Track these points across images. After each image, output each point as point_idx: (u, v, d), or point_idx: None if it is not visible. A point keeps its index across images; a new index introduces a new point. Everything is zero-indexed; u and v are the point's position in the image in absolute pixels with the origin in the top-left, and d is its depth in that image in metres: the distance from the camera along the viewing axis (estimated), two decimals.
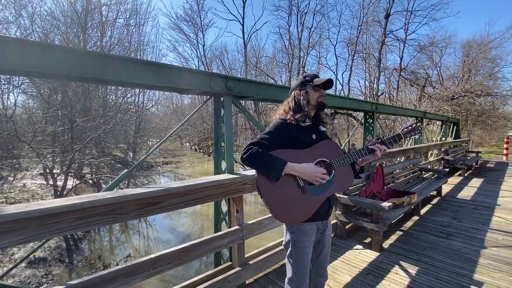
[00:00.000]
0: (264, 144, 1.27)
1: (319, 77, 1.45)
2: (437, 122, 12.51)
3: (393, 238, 3.28)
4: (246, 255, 2.36)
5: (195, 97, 19.22)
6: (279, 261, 2.52)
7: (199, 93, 2.34)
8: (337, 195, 3.19)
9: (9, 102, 8.79)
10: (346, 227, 3.36)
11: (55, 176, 8.05)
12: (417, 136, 6.52)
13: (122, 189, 2.81)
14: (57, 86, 8.40)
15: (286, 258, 1.42)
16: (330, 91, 2.11)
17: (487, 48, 19.53)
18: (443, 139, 9.35)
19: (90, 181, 9.91)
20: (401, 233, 3.43)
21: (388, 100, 19.47)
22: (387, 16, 20.09)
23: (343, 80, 23.55)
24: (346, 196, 3.16)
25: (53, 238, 3.79)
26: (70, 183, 8.56)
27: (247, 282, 2.31)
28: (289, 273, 1.41)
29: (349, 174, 1.42)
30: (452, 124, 10.45)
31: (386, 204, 2.79)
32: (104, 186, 9.45)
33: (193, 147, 29.05)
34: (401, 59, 20.62)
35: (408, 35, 20.80)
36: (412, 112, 7.30)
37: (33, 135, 7.44)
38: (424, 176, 5.56)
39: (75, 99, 8.72)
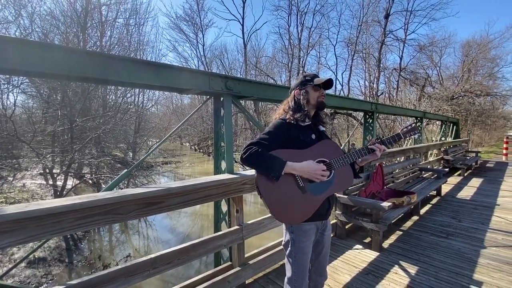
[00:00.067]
0: (263, 144, 1.27)
1: (319, 77, 1.45)
2: (437, 122, 12.52)
3: (392, 238, 3.28)
4: (246, 255, 2.36)
5: (195, 97, 19.22)
6: (279, 261, 2.52)
7: (199, 93, 2.34)
8: (337, 195, 3.20)
9: (8, 102, 8.79)
10: (346, 227, 3.36)
11: (55, 176, 8.04)
12: (416, 136, 6.52)
13: (121, 189, 2.81)
14: (57, 86, 8.40)
15: (286, 258, 1.42)
16: (330, 91, 2.11)
17: (487, 48, 19.56)
18: (443, 139, 9.35)
19: (90, 181, 9.91)
20: (401, 233, 3.44)
21: (388, 100, 19.48)
22: (387, 16, 20.10)
23: (342, 80, 23.61)
24: (346, 196, 3.16)
25: (52, 238, 3.79)
26: (70, 183, 8.56)
27: (247, 282, 2.31)
28: (288, 273, 1.41)
29: (348, 174, 1.42)
30: (451, 124, 10.46)
31: (385, 204, 2.80)
32: (103, 186, 9.45)
33: (193, 147, 29.05)
34: (400, 59, 20.67)
35: (408, 35, 20.86)
36: (411, 112, 7.31)
37: (32, 135, 7.43)
38: (424, 176, 5.57)
39: (74, 99, 8.71)
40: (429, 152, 8.15)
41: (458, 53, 22.87)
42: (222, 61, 25.76)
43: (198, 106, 3.40)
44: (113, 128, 9.81)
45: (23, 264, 5.42)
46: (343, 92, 22.39)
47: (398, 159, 7.52)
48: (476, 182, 6.53)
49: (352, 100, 4.81)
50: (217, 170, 2.62)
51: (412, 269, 2.51)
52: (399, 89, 19.79)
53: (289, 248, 1.39)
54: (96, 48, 11.14)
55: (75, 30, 10.24)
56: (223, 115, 2.43)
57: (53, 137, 8.38)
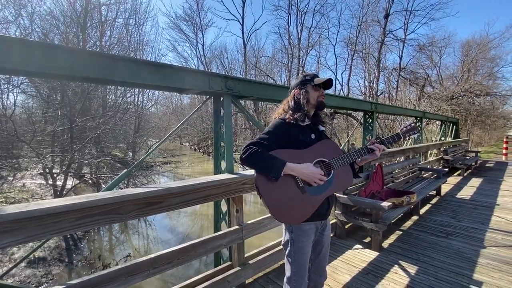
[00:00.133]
0: (263, 144, 1.27)
1: (318, 77, 1.45)
2: (437, 122, 12.52)
3: (392, 237, 3.28)
4: (245, 255, 2.36)
5: (195, 96, 19.22)
6: (278, 260, 2.52)
7: (198, 92, 2.34)
8: (337, 194, 3.20)
9: (8, 102, 8.80)
10: (346, 226, 3.36)
11: (55, 176, 8.04)
12: (416, 136, 6.53)
13: (121, 189, 2.81)
14: (57, 85, 8.40)
15: (285, 257, 1.42)
16: (329, 91, 2.12)
17: (487, 48, 19.56)
18: (443, 138, 9.36)
19: (90, 181, 9.91)
20: (401, 232, 3.44)
21: (388, 100, 19.47)
22: (386, 16, 20.09)
23: (342, 79, 23.62)
24: (345, 196, 3.17)
25: (52, 238, 3.79)
26: (70, 183, 8.55)
27: (246, 281, 2.31)
28: (288, 273, 1.41)
29: (348, 174, 1.42)
30: (451, 124, 10.46)
31: (385, 204, 2.80)
32: (103, 186, 9.45)
33: (192, 147, 29.05)
34: (400, 59, 20.67)
35: (408, 34, 20.85)
36: (411, 112, 7.31)
37: (32, 135, 7.43)
38: (424, 175, 5.57)
39: (74, 98, 8.71)
40: (429, 152, 8.16)
41: (457, 53, 22.89)
42: (222, 61, 25.77)
43: (198, 106, 3.40)
44: (112, 128, 9.81)
45: (23, 264, 5.42)
46: (343, 92, 22.40)
47: (397, 159, 7.52)
48: (475, 182, 6.54)
49: (351, 100, 4.81)
50: (217, 170, 2.62)
51: (412, 269, 2.52)
52: (399, 89, 19.78)
53: (289, 248, 1.39)
54: (96, 48, 11.14)
55: (75, 30, 10.24)
56: (223, 115, 2.44)
57: (53, 137, 8.38)
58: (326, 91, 1.50)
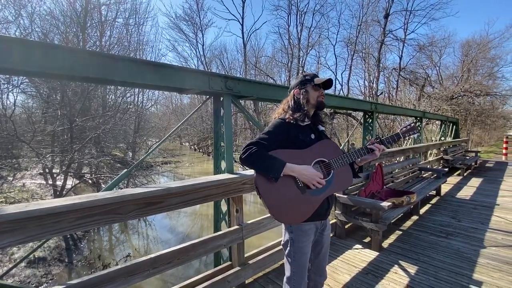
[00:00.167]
0: (263, 144, 1.27)
1: (318, 77, 1.45)
2: (436, 122, 12.53)
3: (392, 237, 3.28)
4: (245, 255, 2.36)
5: (195, 96, 19.21)
6: (278, 260, 2.52)
7: (198, 92, 2.34)
8: (337, 194, 3.20)
9: (8, 102, 8.80)
10: (346, 226, 3.36)
11: (55, 175, 8.04)
12: (416, 136, 6.52)
13: (121, 189, 2.81)
14: (56, 85, 8.40)
15: (285, 257, 1.42)
16: (329, 91, 2.12)
17: (487, 48, 19.55)
18: (442, 138, 9.36)
19: (90, 181, 9.91)
20: (401, 232, 3.44)
21: (388, 100, 19.47)
22: (386, 16, 20.09)
23: (342, 79, 23.63)
24: (345, 196, 3.17)
25: (52, 238, 3.79)
26: (70, 182, 8.55)
27: (246, 281, 2.31)
28: (287, 273, 1.41)
29: (348, 174, 1.42)
30: (451, 124, 10.47)
31: (385, 204, 2.80)
32: (103, 186, 9.45)
33: (192, 147, 29.05)
34: (400, 58, 20.66)
35: (408, 34, 20.84)
36: (411, 112, 7.31)
37: (32, 135, 7.43)
38: (424, 175, 5.57)
39: (74, 98, 8.71)
40: (429, 152, 8.16)
41: (457, 53, 22.90)
42: (222, 61, 25.77)
43: (198, 106, 3.40)
44: (112, 128, 9.81)
45: (23, 264, 5.42)
46: (343, 92, 22.40)
47: (397, 158, 7.53)
48: (475, 182, 6.54)
49: (351, 100, 4.81)
50: (217, 170, 2.62)
51: (412, 269, 2.52)
52: (399, 89, 19.77)
53: (288, 248, 1.39)
54: (96, 48, 11.15)
55: (74, 30, 10.24)
56: (222, 115, 2.43)
57: (52, 137, 8.38)
58: (326, 91, 1.50)
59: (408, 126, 1.50)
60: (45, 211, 1.23)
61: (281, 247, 1.47)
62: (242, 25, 23.08)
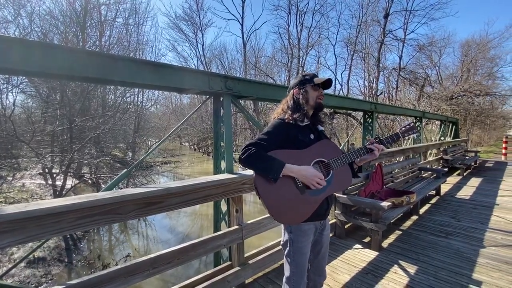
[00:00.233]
0: (262, 144, 1.27)
1: (318, 77, 1.44)
2: (436, 122, 12.53)
3: (392, 237, 3.29)
4: (245, 255, 2.36)
5: (194, 96, 19.20)
6: (278, 260, 2.52)
7: (198, 92, 2.34)
8: (336, 194, 3.20)
9: (8, 102, 8.79)
10: (345, 226, 3.36)
11: (54, 176, 8.03)
12: (415, 136, 6.53)
13: (121, 189, 2.81)
14: (56, 85, 8.39)
15: (284, 257, 1.42)
16: (329, 91, 2.12)
17: (486, 48, 19.57)
18: (442, 138, 9.37)
19: (89, 181, 9.90)
20: (400, 232, 3.44)
21: (387, 100, 19.47)
22: (386, 16, 20.10)
23: (342, 79, 23.63)
24: (345, 196, 3.17)
25: (52, 238, 3.79)
26: (69, 182, 8.55)
27: (246, 281, 2.31)
28: (287, 273, 1.41)
29: (347, 174, 1.42)
30: (451, 124, 10.48)
31: (385, 204, 2.80)
32: (103, 186, 9.44)
33: (192, 147, 29.04)
34: (400, 58, 20.67)
35: (407, 34, 20.85)
36: (411, 112, 7.31)
37: (32, 135, 7.42)
38: (423, 175, 5.57)
39: (74, 98, 8.70)
40: (428, 152, 8.16)
41: (457, 53, 22.93)
42: (222, 60, 25.77)
43: (198, 106, 3.39)
44: (112, 128, 9.81)
45: (22, 264, 5.41)
46: (343, 92, 22.41)
47: (397, 158, 7.54)
48: (475, 181, 6.54)
49: (351, 100, 4.81)
50: (217, 170, 2.62)
51: (412, 269, 2.52)
52: (399, 88, 19.78)
53: (288, 248, 1.39)
54: (96, 48, 11.14)
55: (74, 29, 10.24)
56: (222, 115, 2.43)
57: (52, 137, 8.37)
58: (326, 91, 1.49)
59: (408, 126, 1.50)
60: (45, 211, 1.23)
61: (280, 247, 1.47)
62: (242, 25, 23.12)
